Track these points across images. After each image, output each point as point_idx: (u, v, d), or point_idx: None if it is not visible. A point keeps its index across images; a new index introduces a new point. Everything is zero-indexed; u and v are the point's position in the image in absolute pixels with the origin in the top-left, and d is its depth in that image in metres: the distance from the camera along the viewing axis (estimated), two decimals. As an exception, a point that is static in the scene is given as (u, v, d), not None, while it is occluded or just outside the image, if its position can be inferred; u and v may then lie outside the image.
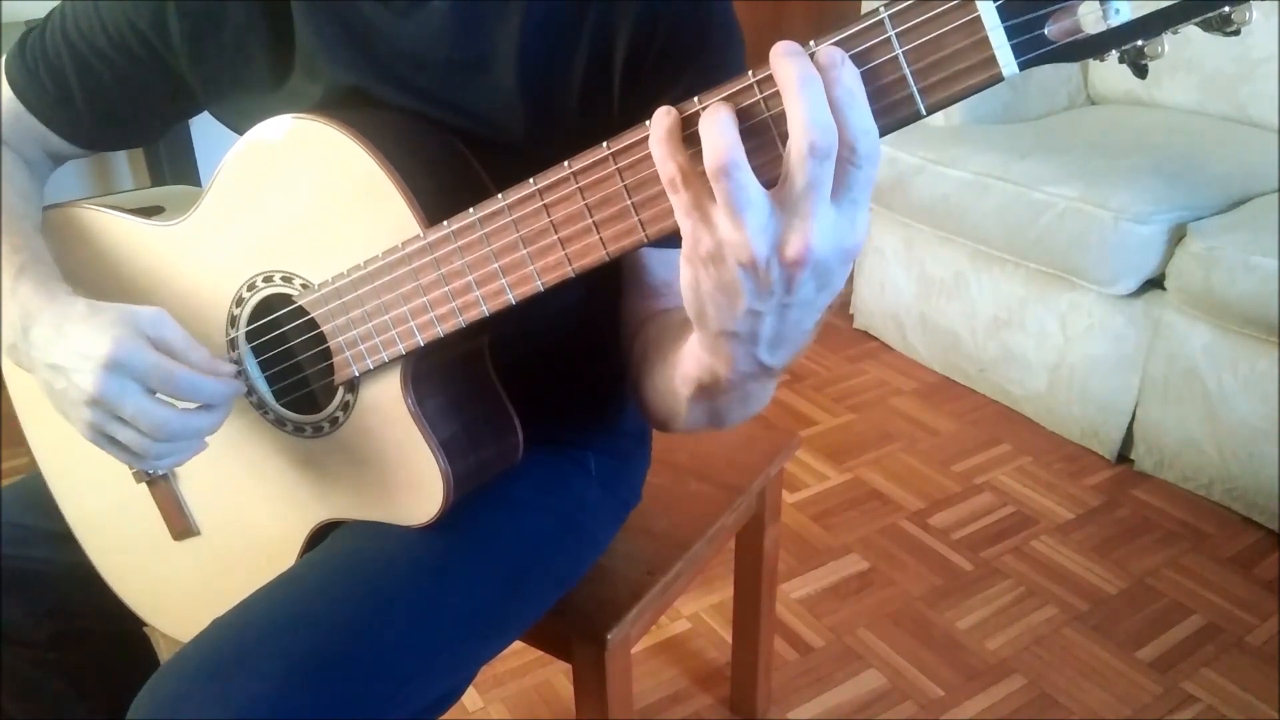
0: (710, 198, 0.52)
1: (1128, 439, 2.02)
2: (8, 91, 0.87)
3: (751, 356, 0.58)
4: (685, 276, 0.56)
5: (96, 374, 0.70)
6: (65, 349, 0.73)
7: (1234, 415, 1.80)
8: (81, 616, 0.95)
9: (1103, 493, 1.97)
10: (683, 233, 0.54)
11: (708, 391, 0.65)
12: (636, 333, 0.80)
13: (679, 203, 0.53)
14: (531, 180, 0.61)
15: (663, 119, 0.53)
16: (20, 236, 0.81)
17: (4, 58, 0.88)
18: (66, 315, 0.74)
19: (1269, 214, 1.81)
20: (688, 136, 0.53)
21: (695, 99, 0.53)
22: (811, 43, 0.50)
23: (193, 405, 0.75)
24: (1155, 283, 1.91)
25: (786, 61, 0.49)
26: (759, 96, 0.51)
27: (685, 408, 0.70)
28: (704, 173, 0.51)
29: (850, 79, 0.49)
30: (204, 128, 1.07)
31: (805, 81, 0.48)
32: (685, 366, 0.65)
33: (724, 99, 0.52)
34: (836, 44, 0.49)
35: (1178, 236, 1.85)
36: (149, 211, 0.85)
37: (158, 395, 0.73)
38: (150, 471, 0.88)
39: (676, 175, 0.52)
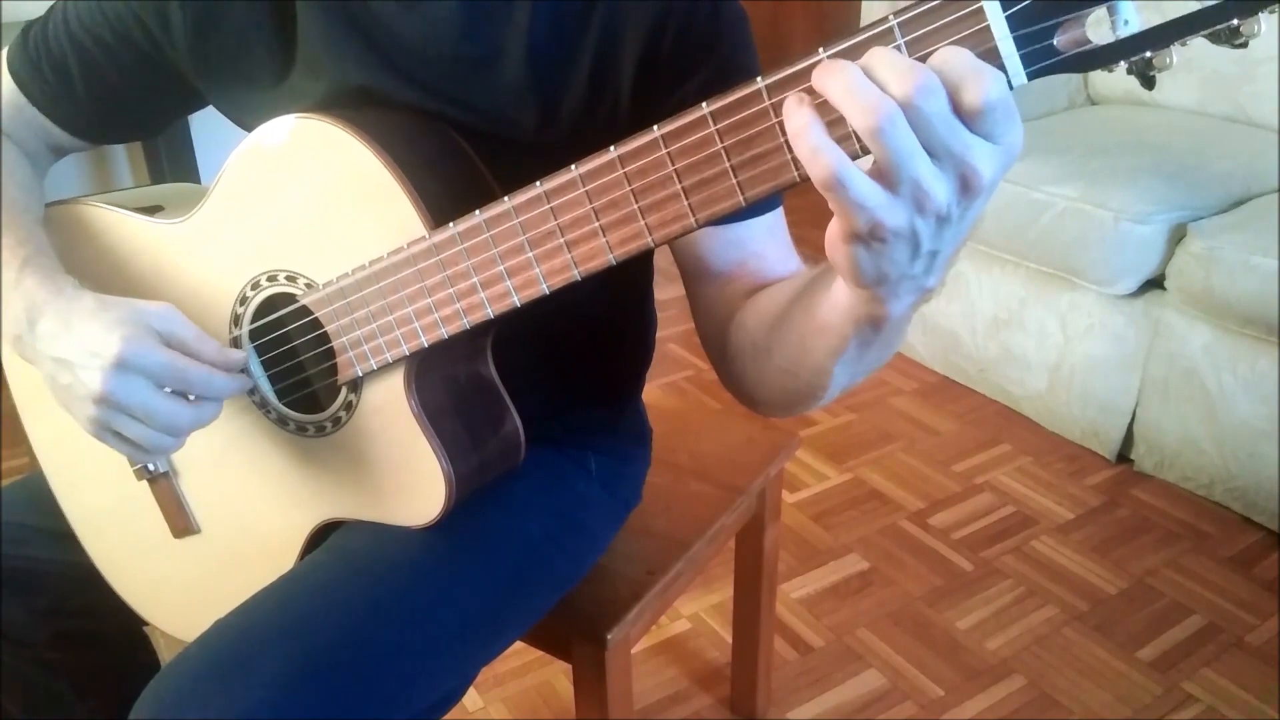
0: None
1: (1128, 439, 2.02)
2: (9, 84, 0.87)
3: (919, 287, 0.55)
4: (851, 256, 0.52)
5: (105, 372, 0.70)
6: (73, 344, 0.72)
7: (1234, 415, 1.80)
8: (82, 616, 0.94)
9: (1103, 493, 1.97)
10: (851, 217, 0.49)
11: (864, 342, 0.61)
12: (726, 328, 0.76)
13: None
14: (538, 183, 0.61)
15: (797, 110, 0.49)
16: (23, 230, 0.80)
17: (6, 50, 0.87)
18: (74, 310, 0.73)
19: (1269, 214, 1.81)
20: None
21: (703, 104, 0.53)
22: (820, 49, 0.49)
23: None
24: (1155, 283, 1.91)
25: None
26: (768, 103, 0.51)
27: (829, 378, 0.65)
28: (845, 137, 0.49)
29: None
30: (204, 125, 1.08)
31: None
32: (841, 327, 0.61)
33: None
34: (844, 51, 0.49)
35: (1178, 236, 1.85)
36: (151, 209, 0.85)
37: (166, 391, 0.73)
38: (151, 469, 0.88)
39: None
